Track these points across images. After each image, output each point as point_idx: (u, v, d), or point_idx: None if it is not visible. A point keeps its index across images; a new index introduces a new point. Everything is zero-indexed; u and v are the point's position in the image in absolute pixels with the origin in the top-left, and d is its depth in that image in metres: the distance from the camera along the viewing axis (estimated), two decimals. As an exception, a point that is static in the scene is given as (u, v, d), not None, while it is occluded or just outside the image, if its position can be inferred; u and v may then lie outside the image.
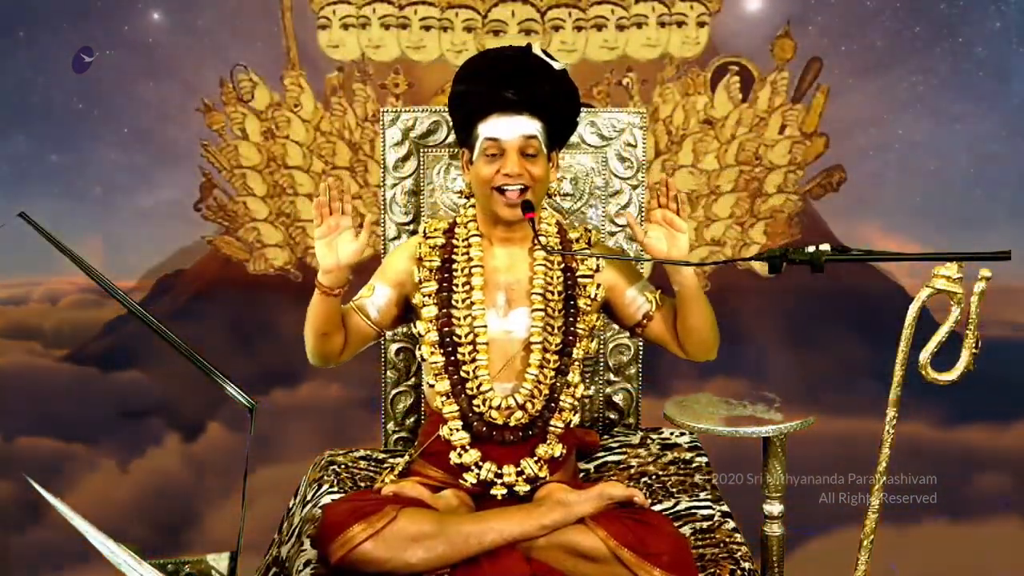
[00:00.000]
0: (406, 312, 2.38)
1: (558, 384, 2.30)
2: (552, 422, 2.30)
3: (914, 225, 4.20)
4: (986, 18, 4.17)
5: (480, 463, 2.27)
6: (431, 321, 2.30)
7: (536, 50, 2.29)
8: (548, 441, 2.30)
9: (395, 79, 4.11)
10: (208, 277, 4.20)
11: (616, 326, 2.71)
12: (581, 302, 2.32)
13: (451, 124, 2.61)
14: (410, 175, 2.65)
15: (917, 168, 4.22)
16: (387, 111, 2.65)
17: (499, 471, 2.27)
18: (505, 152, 2.23)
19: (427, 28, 4.09)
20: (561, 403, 2.31)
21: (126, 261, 4.17)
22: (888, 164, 4.22)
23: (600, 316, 2.39)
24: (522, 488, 2.27)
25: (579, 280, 2.33)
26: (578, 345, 2.31)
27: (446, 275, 2.31)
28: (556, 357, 2.30)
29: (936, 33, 4.13)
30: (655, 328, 2.35)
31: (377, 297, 2.34)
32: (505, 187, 2.23)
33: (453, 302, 2.29)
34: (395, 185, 2.65)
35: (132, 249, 4.17)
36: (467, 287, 2.30)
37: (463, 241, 2.34)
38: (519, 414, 2.27)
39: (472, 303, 2.29)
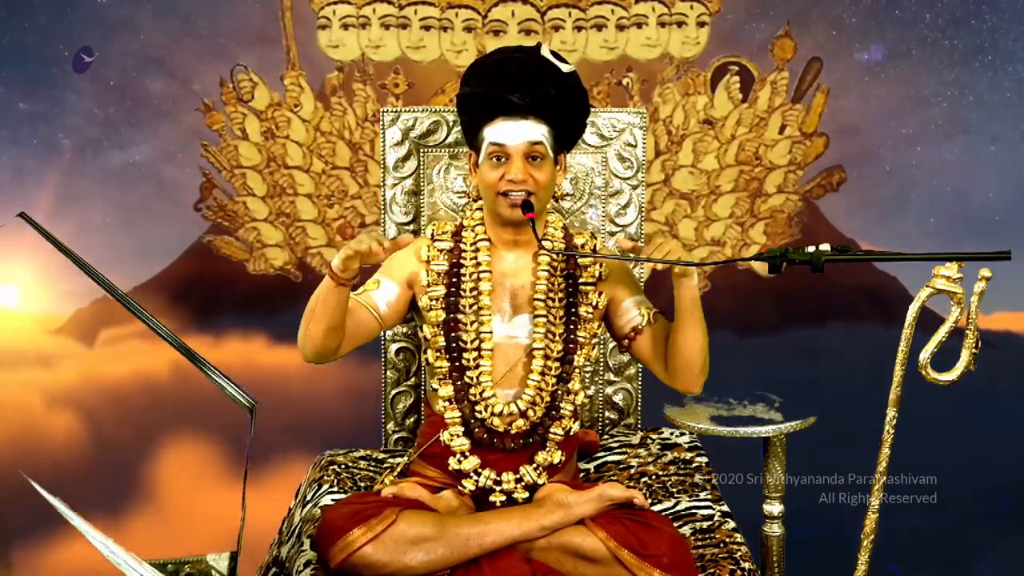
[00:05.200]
0: (408, 311, 2.36)
1: (559, 391, 2.29)
2: (552, 429, 2.29)
3: (925, 243, 4.17)
4: (1024, 33, 4.11)
5: (479, 470, 2.27)
6: (438, 326, 2.29)
7: (545, 51, 2.26)
8: (548, 448, 2.30)
9: (395, 79, 4.11)
10: (208, 277, 4.19)
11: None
12: (583, 309, 2.31)
13: (451, 124, 2.62)
14: (410, 175, 2.65)
15: (940, 186, 4.17)
16: (387, 111, 2.65)
17: (498, 478, 2.27)
18: (510, 157, 2.21)
19: (427, 28, 4.09)
20: (561, 410, 2.30)
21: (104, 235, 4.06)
22: (910, 181, 4.18)
23: (602, 324, 2.38)
24: (521, 495, 2.26)
25: (581, 287, 2.31)
26: (579, 352, 2.30)
27: (454, 279, 2.30)
28: (557, 364, 2.29)
29: (975, 47, 4.08)
30: (642, 345, 2.29)
31: (386, 292, 2.29)
32: (510, 192, 2.22)
33: (460, 307, 2.28)
34: (395, 185, 2.65)
35: (96, 210, 4.05)
36: (475, 292, 2.29)
37: (471, 245, 2.32)
38: (520, 421, 2.27)
39: (479, 308, 2.28)
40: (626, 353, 2.36)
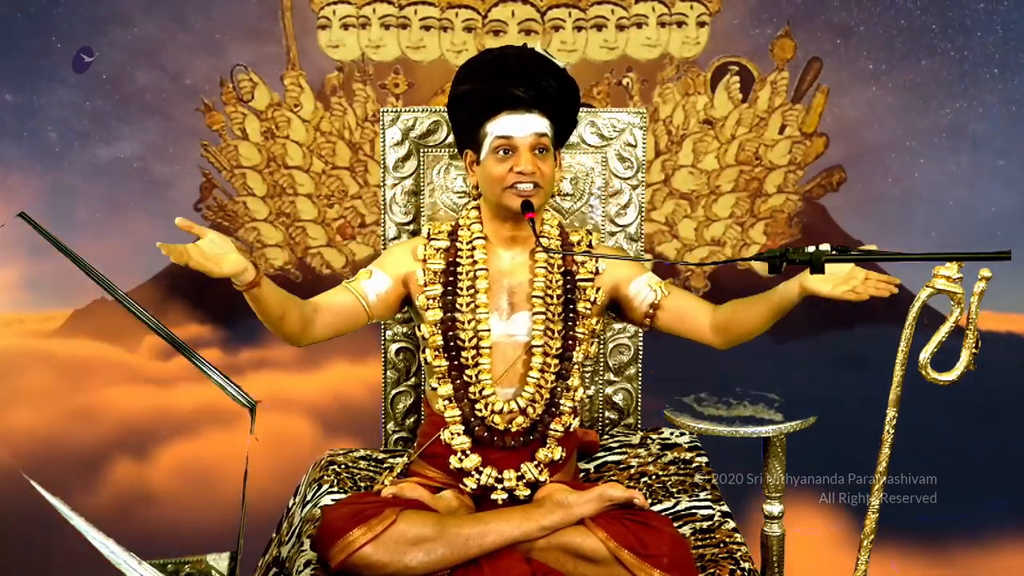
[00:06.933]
0: (400, 307, 2.36)
1: (558, 388, 2.30)
2: (552, 426, 2.30)
3: (927, 250, 4.15)
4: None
5: (480, 468, 2.27)
6: (435, 325, 2.29)
7: (538, 48, 2.30)
8: (548, 445, 2.30)
9: (395, 79, 4.11)
10: (207, 276, 4.19)
11: (617, 325, 2.71)
12: (581, 306, 2.31)
13: (451, 124, 2.61)
14: (410, 175, 2.65)
15: (944, 199, 4.15)
16: (387, 111, 2.64)
17: (499, 476, 2.27)
18: (517, 150, 2.22)
19: (427, 28, 4.09)
20: (561, 407, 2.30)
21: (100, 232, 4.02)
22: (913, 191, 4.16)
23: (600, 320, 2.38)
24: (522, 492, 2.27)
25: (579, 284, 2.32)
26: (578, 348, 2.31)
27: (450, 278, 2.30)
28: (556, 361, 2.29)
29: (986, 58, 4.05)
30: (666, 317, 2.31)
31: (377, 283, 2.30)
32: (518, 184, 2.22)
33: (457, 305, 2.29)
34: (395, 185, 2.65)
35: (83, 206, 4.01)
36: (471, 290, 2.29)
37: (467, 244, 2.33)
38: (520, 419, 2.27)
39: (476, 307, 2.28)
40: (647, 328, 2.37)
